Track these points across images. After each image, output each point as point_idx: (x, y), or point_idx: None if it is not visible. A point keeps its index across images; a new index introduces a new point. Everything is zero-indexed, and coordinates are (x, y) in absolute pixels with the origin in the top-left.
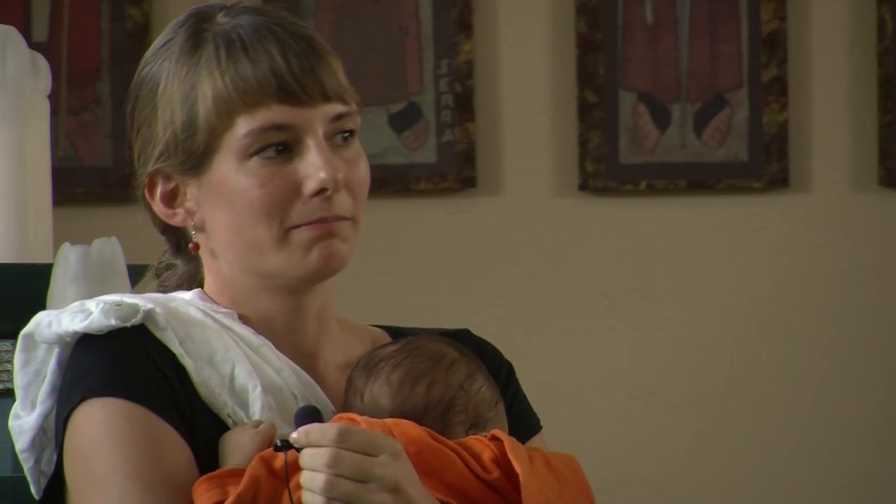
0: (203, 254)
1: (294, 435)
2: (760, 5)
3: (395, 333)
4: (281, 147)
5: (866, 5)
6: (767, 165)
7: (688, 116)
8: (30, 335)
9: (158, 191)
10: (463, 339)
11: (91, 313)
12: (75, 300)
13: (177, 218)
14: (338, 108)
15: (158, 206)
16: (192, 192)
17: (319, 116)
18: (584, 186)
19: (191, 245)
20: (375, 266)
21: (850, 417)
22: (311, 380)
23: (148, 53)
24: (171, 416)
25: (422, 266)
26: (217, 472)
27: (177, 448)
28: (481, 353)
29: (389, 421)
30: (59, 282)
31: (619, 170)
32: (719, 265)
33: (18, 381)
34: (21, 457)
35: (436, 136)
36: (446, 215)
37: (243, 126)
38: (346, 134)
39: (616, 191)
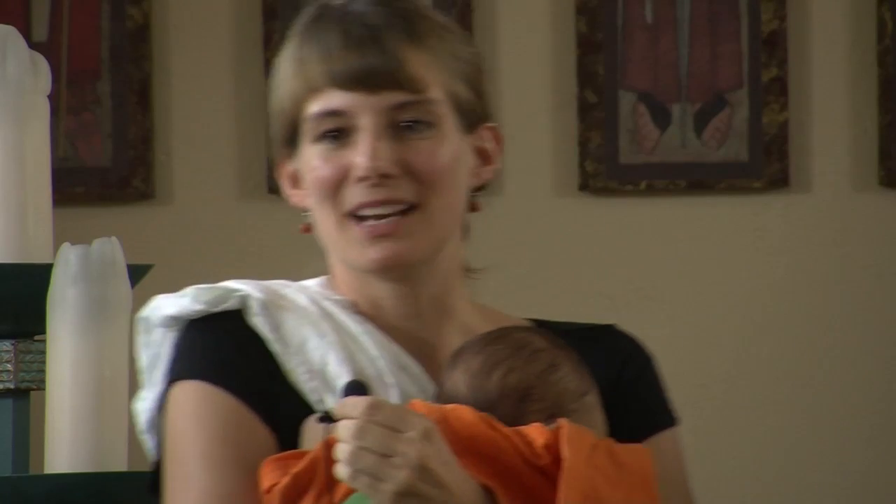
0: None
1: (335, 407)
2: (760, 5)
3: (542, 326)
4: (337, 132)
5: (866, 5)
6: (767, 165)
7: (688, 116)
8: (146, 318)
9: (285, 171)
10: (604, 334)
11: (185, 298)
12: (75, 300)
13: (294, 198)
14: (399, 96)
15: (285, 187)
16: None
17: (374, 104)
18: (584, 186)
19: (301, 226)
20: None
21: (850, 417)
22: (418, 369)
23: None
24: (251, 400)
25: None
26: (284, 454)
27: (255, 432)
28: (616, 346)
29: (448, 407)
30: (59, 282)
31: (619, 170)
32: (719, 265)
33: (141, 363)
34: (142, 438)
35: None
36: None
37: (309, 110)
38: (412, 123)
39: (616, 191)
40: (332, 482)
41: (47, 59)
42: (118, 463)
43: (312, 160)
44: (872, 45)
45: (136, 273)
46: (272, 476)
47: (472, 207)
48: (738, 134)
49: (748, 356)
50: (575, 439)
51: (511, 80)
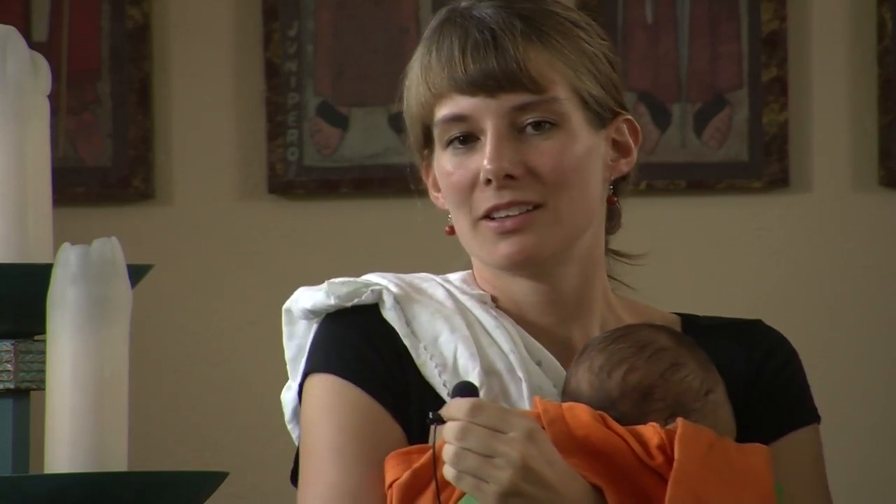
0: None
1: (443, 409)
2: (760, 5)
3: (688, 320)
4: (463, 137)
5: (866, 5)
6: (767, 165)
7: (688, 116)
8: (288, 310)
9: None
10: (749, 330)
11: (319, 292)
12: (75, 300)
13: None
14: (521, 97)
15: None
16: None
17: (496, 107)
18: None
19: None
20: (376, 266)
21: (851, 417)
22: (557, 364)
23: None
24: (381, 394)
25: (423, 266)
26: (408, 448)
27: (382, 426)
28: (758, 342)
29: (565, 405)
30: (59, 282)
31: None
32: (719, 265)
33: (286, 355)
34: (288, 427)
35: None
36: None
37: (436, 115)
38: (536, 123)
39: None
40: (445, 480)
41: (47, 59)
42: (118, 463)
43: (445, 166)
44: (872, 45)
45: (136, 273)
46: (395, 471)
47: (609, 200)
48: (738, 134)
49: None
50: (690, 439)
51: None
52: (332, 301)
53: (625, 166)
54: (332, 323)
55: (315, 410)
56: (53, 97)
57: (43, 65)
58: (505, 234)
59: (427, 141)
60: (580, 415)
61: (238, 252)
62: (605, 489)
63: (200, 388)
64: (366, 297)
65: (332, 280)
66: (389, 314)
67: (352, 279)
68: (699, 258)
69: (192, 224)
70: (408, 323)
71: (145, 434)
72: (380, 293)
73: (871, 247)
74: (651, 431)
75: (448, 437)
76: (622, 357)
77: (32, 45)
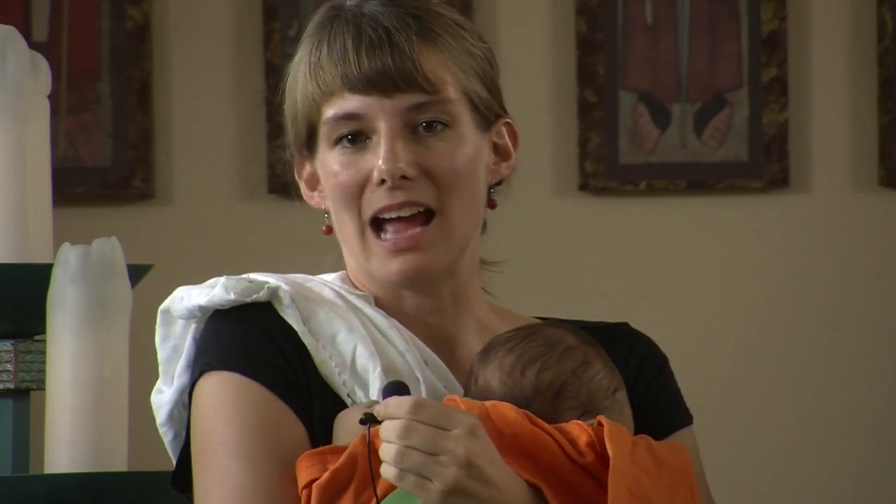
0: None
1: (377, 408)
2: (760, 5)
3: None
4: (352, 136)
5: (866, 5)
6: (767, 165)
7: (688, 116)
8: (167, 310)
9: (304, 173)
10: (617, 332)
11: (214, 288)
12: (75, 300)
13: (314, 200)
14: (416, 97)
15: (303, 189)
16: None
17: (391, 106)
18: (584, 186)
19: (324, 228)
20: None
21: (850, 417)
22: (441, 364)
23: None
24: (284, 392)
25: None
26: (320, 448)
27: (287, 424)
28: (633, 346)
29: (488, 403)
30: (59, 282)
31: (619, 170)
32: (719, 265)
33: (159, 356)
34: (160, 431)
35: None
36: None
37: (325, 114)
38: (428, 124)
39: (616, 191)
40: (367, 479)
41: (47, 59)
42: (118, 463)
43: (332, 165)
44: (872, 45)
45: (136, 273)
46: (310, 471)
47: (490, 205)
48: (738, 134)
49: (748, 356)
50: (616, 437)
51: (511, 80)
52: (231, 296)
53: (505, 170)
54: (225, 321)
55: (214, 409)
56: (53, 97)
57: (43, 65)
58: (398, 251)
59: (309, 140)
60: (506, 413)
61: (238, 252)
62: (543, 487)
63: None
64: (263, 294)
65: (224, 277)
66: (288, 311)
67: (243, 276)
68: (699, 258)
69: (192, 224)
70: (305, 321)
71: (145, 434)
72: (276, 291)
73: (871, 247)
74: (578, 429)
75: (389, 435)
76: (533, 356)
77: (32, 45)
